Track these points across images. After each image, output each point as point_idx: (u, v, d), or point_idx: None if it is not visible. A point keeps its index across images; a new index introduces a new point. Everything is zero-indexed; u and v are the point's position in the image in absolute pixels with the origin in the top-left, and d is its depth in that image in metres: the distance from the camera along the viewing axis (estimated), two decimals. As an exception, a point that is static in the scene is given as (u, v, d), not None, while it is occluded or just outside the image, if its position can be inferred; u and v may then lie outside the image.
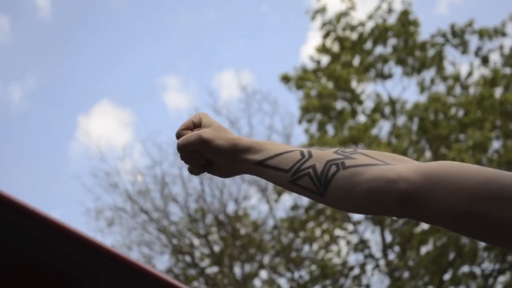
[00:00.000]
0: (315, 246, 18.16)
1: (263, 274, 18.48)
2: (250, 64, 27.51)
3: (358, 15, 19.00)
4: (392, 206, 1.28)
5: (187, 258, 18.62)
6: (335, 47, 18.71)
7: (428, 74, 18.12)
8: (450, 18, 29.50)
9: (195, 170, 1.57)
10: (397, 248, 17.37)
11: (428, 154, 16.78)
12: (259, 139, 1.53)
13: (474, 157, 15.04)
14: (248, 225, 18.52)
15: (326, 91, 17.83)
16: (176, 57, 27.15)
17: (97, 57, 26.65)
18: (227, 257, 17.94)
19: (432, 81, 18.06)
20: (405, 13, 18.16)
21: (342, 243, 18.09)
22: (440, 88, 18.07)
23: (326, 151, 1.39)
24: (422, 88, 17.99)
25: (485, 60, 17.78)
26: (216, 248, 18.39)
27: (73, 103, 26.53)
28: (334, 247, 18.12)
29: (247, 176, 18.21)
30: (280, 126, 18.70)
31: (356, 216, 17.84)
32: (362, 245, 17.58)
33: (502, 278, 16.12)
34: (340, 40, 18.61)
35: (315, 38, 27.06)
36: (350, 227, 18.03)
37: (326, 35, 18.78)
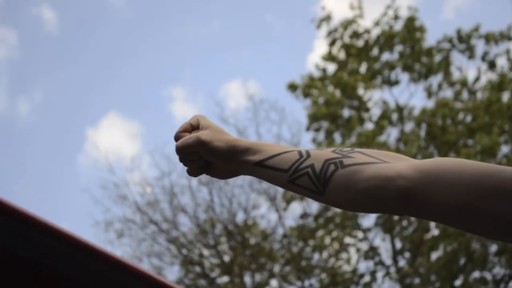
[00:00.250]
0: (325, 254, 18.14)
1: (274, 283, 18.48)
2: (257, 73, 27.55)
3: (364, 22, 18.95)
4: (391, 203, 1.28)
5: (197, 269, 18.62)
6: (341, 55, 18.72)
7: (435, 79, 18.11)
8: (456, 23, 29.46)
9: (194, 171, 1.58)
10: (407, 255, 17.32)
11: (436, 160, 16.71)
12: (259, 141, 1.53)
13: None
14: (257, 234, 18.51)
15: (334, 99, 17.83)
16: (183, 67, 27.26)
17: (104, 69, 26.82)
18: (237, 266, 17.93)
19: (439, 87, 18.03)
20: (411, 20, 18.15)
21: (352, 250, 18.07)
22: (447, 93, 18.05)
23: (324, 151, 1.39)
24: (430, 94, 17.96)
25: (492, 65, 17.74)
26: (226, 258, 18.40)
27: (81, 115, 26.67)
28: (344, 255, 18.09)
29: (256, 185, 18.28)
30: (287, 135, 18.76)
31: (366, 223, 17.83)
32: (372, 252, 17.54)
33: (513, 283, 16.07)
34: (346, 47, 18.61)
35: (321, 46, 27.08)
36: (360, 234, 17.99)
37: (332, 43, 18.79)
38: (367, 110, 18.39)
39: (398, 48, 18.30)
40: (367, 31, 18.70)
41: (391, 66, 18.29)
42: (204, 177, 15.24)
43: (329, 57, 18.78)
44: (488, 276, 16.09)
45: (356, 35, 18.72)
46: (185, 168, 1.60)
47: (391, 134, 18.11)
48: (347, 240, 18.13)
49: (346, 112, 18.32)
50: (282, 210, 18.24)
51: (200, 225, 18.44)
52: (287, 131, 24.65)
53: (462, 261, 15.77)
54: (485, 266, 15.71)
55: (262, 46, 27.09)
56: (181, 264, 18.62)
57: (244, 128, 18.49)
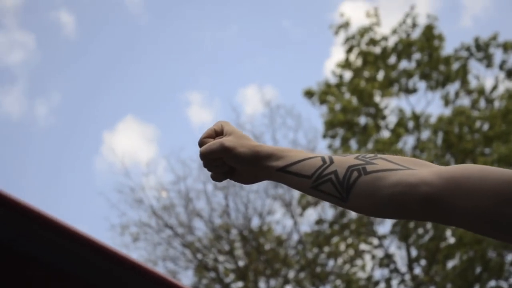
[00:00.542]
0: (340, 261, 18.10)
1: (288, 289, 18.45)
2: (273, 78, 27.59)
3: (381, 30, 18.93)
4: (414, 209, 1.30)
5: (212, 274, 18.63)
6: (358, 62, 18.71)
7: (453, 87, 18.07)
8: (474, 31, 29.40)
9: (218, 177, 1.59)
10: (423, 263, 17.26)
11: (453, 168, 16.65)
12: (281, 146, 1.55)
13: (499, 171, 14.92)
14: (272, 240, 18.50)
15: (350, 106, 17.83)
16: (200, 72, 27.29)
17: (121, 73, 26.88)
18: (251, 272, 17.93)
19: (457, 95, 17.99)
20: (429, 28, 18.12)
21: (367, 257, 18.04)
22: (464, 101, 18.00)
23: (347, 157, 1.41)
24: (447, 102, 17.92)
25: (509, 74, 17.68)
26: (241, 263, 18.39)
27: (98, 119, 26.74)
28: (359, 262, 18.05)
29: (272, 191, 18.28)
30: (304, 141, 18.66)
31: (381, 230, 17.80)
32: (387, 260, 17.49)
33: (529, 293, 15.98)
34: (364, 54, 18.59)
35: (338, 52, 27.02)
36: (375, 241, 17.95)
37: (349, 50, 18.78)
38: (383, 117, 18.37)
39: (416, 56, 18.27)
40: (384, 38, 18.69)
41: (408, 74, 18.26)
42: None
43: (346, 64, 18.78)
44: (504, 285, 16.01)
45: (373, 42, 18.71)
46: (205, 173, 1.62)
47: (408, 141, 18.08)
48: (362, 246, 18.09)
49: (362, 120, 18.31)
50: (298, 216, 18.24)
51: (215, 230, 18.45)
52: (303, 138, 24.55)
53: (478, 269, 15.71)
54: (501, 275, 15.64)
55: (279, 51, 27.09)
56: (195, 268, 18.64)
57: (260, 134, 18.53)
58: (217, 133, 1.58)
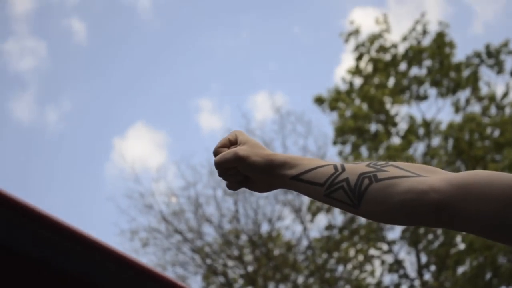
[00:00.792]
0: (350, 266, 18.09)
1: (297, 294, 18.44)
2: (284, 85, 27.54)
3: (391, 37, 18.93)
4: (425, 216, 1.33)
5: (221, 279, 18.65)
6: (368, 68, 18.71)
7: (463, 94, 18.03)
8: (485, 38, 29.37)
9: (233, 186, 1.62)
10: (432, 268, 17.22)
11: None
12: (294, 155, 1.58)
13: (510, 177, 14.87)
14: (281, 246, 18.50)
15: (361, 113, 17.82)
16: (210, 79, 27.33)
17: (131, 79, 26.95)
18: (261, 277, 17.94)
19: (467, 102, 17.95)
20: (441, 35, 18.10)
21: (377, 263, 18.00)
22: (475, 108, 17.96)
23: (358, 165, 1.44)
24: (457, 109, 17.89)
25: (520, 80, 17.65)
26: (250, 269, 18.40)
27: (108, 125, 26.85)
28: (368, 267, 18.03)
29: (281, 197, 18.30)
30: (314, 148, 18.70)
31: (391, 236, 17.77)
32: (397, 265, 17.47)
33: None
34: (374, 61, 18.60)
35: (348, 59, 27.04)
36: (384, 247, 17.93)
37: (359, 57, 18.78)
38: (394, 124, 18.35)
39: (427, 63, 18.26)
40: (394, 45, 18.69)
41: (419, 81, 18.25)
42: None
43: (356, 71, 18.78)
44: (514, 291, 15.97)
45: (383, 49, 18.71)
46: (215, 178, 1.66)
47: (418, 148, 18.06)
48: (372, 252, 18.07)
49: (373, 126, 18.30)
50: (307, 221, 18.24)
51: (225, 235, 18.47)
52: (313, 144, 24.58)
53: (488, 275, 15.65)
54: (511, 281, 15.59)
55: (289, 58, 27.12)
56: (204, 274, 18.66)
57: (270, 141, 18.55)
58: (232, 142, 1.61)
